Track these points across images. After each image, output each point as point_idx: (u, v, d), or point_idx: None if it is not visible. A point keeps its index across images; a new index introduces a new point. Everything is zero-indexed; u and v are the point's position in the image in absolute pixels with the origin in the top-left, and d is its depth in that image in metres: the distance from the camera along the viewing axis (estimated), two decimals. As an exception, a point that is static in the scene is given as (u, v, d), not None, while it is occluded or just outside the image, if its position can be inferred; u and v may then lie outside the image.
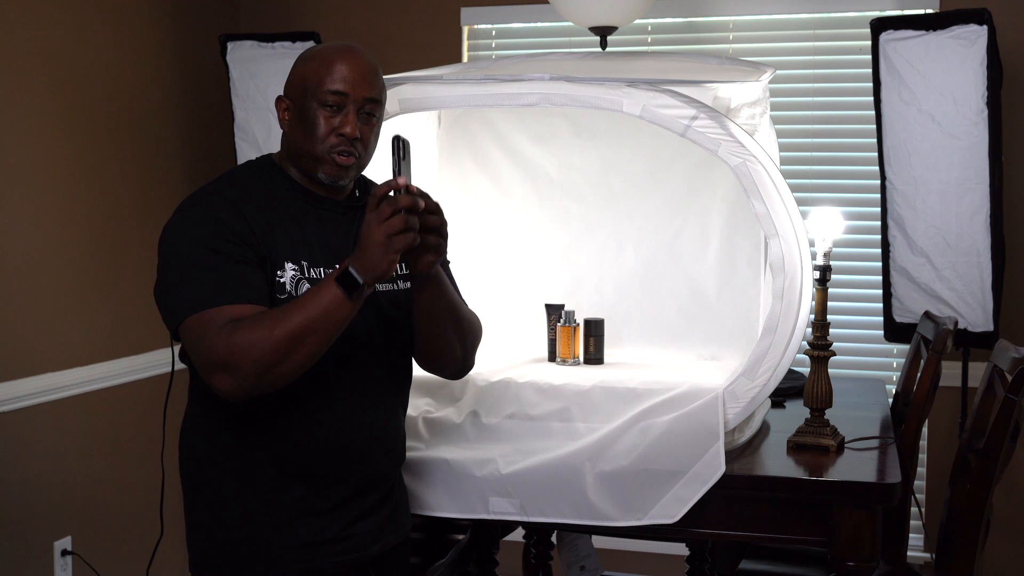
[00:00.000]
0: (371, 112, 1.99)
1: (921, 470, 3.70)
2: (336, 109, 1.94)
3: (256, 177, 2.00)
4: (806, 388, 2.33)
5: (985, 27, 3.21)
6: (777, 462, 2.27)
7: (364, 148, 1.99)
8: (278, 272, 1.91)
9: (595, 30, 3.54)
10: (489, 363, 2.51)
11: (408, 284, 2.07)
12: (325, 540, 1.96)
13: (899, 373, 3.24)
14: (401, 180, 1.80)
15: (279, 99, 2.02)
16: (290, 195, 1.98)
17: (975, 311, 3.31)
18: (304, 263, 1.93)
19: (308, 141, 1.95)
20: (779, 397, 2.73)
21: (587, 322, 2.63)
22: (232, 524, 1.96)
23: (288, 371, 1.80)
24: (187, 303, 1.84)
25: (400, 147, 1.88)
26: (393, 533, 2.08)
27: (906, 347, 3.53)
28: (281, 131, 2.03)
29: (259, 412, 1.92)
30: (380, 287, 2.03)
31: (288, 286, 1.91)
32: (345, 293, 1.78)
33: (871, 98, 3.43)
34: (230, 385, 1.79)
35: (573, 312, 2.64)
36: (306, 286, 1.92)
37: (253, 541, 1.95)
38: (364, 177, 2.12)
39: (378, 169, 2.19)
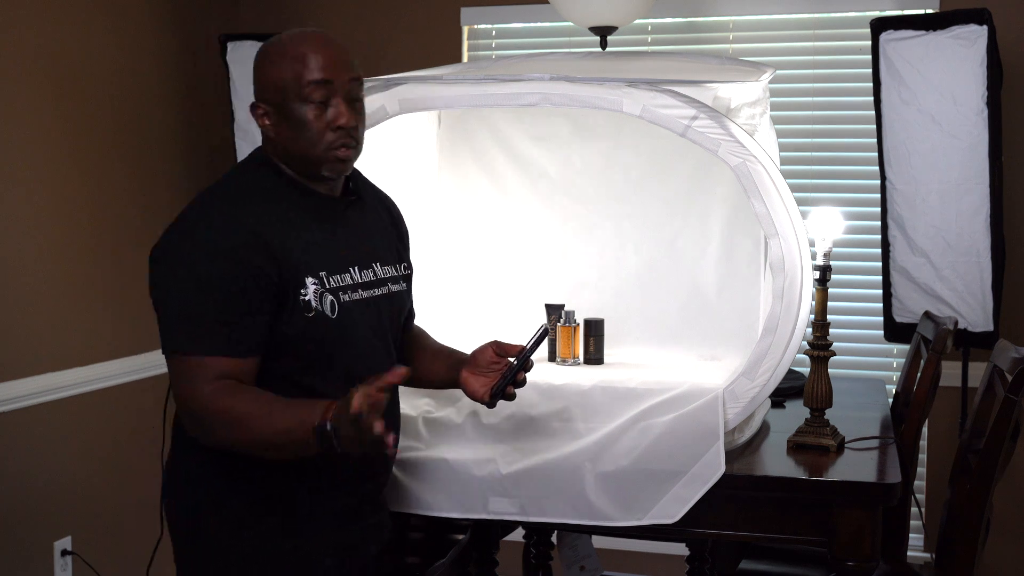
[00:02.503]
0: (356, 94, 1.94)
1: (921, 470, 3.70)
2: (323, 102, 1.89)
3: (262, 182, 1.93)
4: (806, 388, 2.33)
5: (985, 27, 3.21)
6: (777, 462, 2.27)
7: (358, 133, 1.95)
8: (301, 291, 1.87)
9: (595, 30, 3.54)
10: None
11: (402, 285, 2.11)
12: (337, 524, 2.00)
13: (899, 373, 3.24)
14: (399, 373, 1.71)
15: (253, 106, 1.93)
16: (295, 197, 1.94)
17: (975, 311, 3.31)
18: (323, 274, 1.91)
19: (303, 143, 1.90)
20: (779, 397, 2.73)
21: (587, 322, 2.63)
22: (264, 534, 1.94)
23: (245, 452, 1.83)
24: (186, 339, 1.80)
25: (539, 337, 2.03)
26: (381, 537, 2.11)
27: (906, 347, 3.53)
28: (266, 138, 1.96)
29: None
30: (377, 291, 2.02)
31: (313, 303, 1.88)
32: (318, 445, 1.70)
33: (871, 98, 3.43)
34: (197, 433, 1.83)
35: (573, 312, 2.64)
36: (329, 299, 1.90)
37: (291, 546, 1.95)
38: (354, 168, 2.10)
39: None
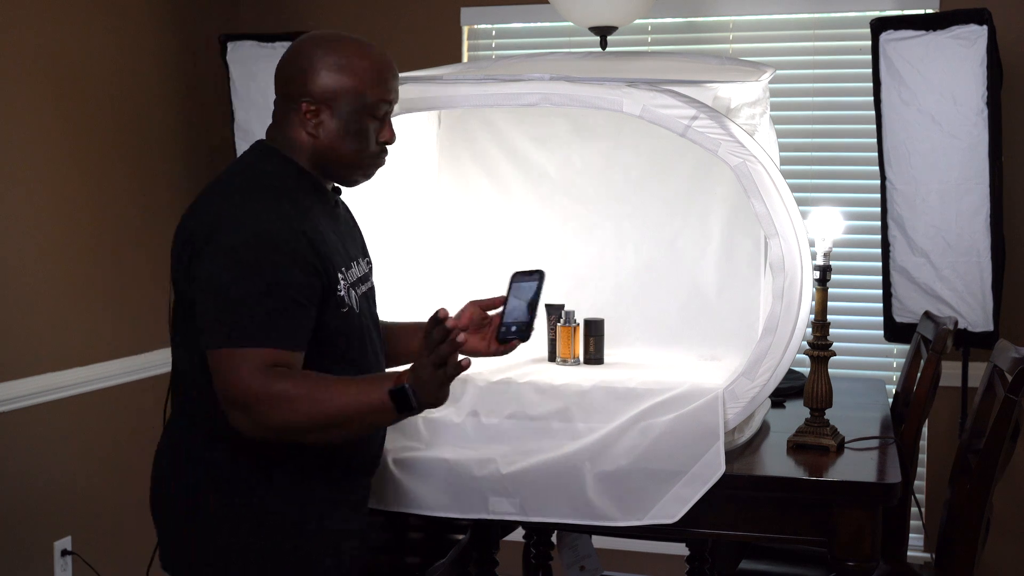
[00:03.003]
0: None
1: (921, 470, 3.70)
2: (382, 118, 1.96)
3: (287, 178, 1.93)
4: (806, 388, 2.33)
5: (985, 27, 3.21)
6: (777, 462, 2.27)
7: None
8: (338, 287, 1.89)
9: (595, 30, 3.54)
10: (489, 363, 2.51)
11: (372, 279, 2.13)
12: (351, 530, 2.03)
13: (899, 373, 3.24)
14: (441, 312, 1.77)
15: (302, 101, 1.92)
16: (314, 193, 1.97)
17: (975, 311, 3.31)
18: (343, 269, 1.94)
19: (352, 152, 1.95)
20: (779, 397, 2.73)
21: (587, 322, 2.63)
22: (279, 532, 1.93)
23: (309, 440, 1.83)
24: (241, 331, 1.78)
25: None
26: (368, 540, 2.13)
27: (906, 347, 3.53)
28: (302, 134, 1.94)
29: None
30: (367, 285, 2.06)
31: (346, 298, 1.91)
32: (395, 409, 1.78)
33: (871, 98, 3.43)
34: (245, 426, 1.79)
35: (573, 312, 2.64)
36: (353, 293, 1.93)
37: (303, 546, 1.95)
38: None
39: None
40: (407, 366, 1.83)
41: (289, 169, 1.94)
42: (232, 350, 1.78)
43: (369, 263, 2.14)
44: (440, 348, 1.74)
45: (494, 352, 2.16)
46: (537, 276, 2.12)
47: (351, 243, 2.06)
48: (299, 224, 1.85)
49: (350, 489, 2.02)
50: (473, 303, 2.20)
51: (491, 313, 2.20)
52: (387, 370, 1.99)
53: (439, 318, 1.74)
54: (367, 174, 2.01)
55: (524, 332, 2.10)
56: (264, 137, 2.01)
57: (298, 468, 1.92)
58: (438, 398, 1.79)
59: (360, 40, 1.98)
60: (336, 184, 2.06)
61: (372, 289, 2.11)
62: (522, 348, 2.77)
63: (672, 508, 2.14)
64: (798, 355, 2.28)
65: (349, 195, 2.21)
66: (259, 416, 1.77)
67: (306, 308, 1.83)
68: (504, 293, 2.13)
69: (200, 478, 1.91)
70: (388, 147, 2.01)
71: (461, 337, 1.74)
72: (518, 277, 2.15)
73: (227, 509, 1.91)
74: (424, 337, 1.77)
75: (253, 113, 3.81)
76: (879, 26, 3.35)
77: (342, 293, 1.90)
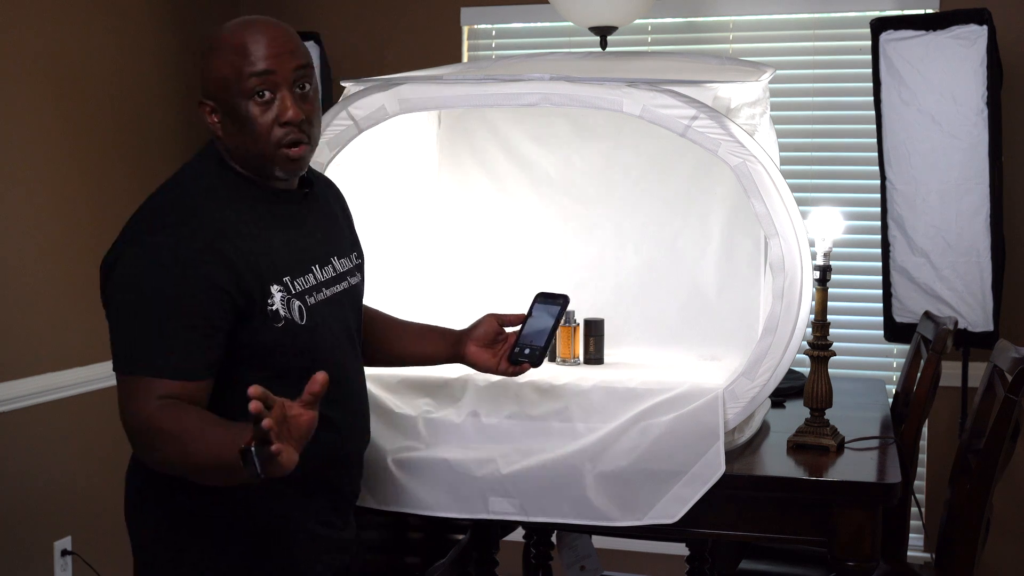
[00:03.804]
0: (305, 81, 1.79)
1: (921, 470, 3.70)
2: (267, 96, 1.75)
3: (218, 183, 1.82)
4: (806, 388, 2.33)
5: (985, 27, 3.21)
6: (777, 462, 2.27)
7: (311, 126, 1.81)
8: (268, 301, 1.77)
9: (595, 30, 3.54)
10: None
11: (357, 277, 2.04)
12: (331, 536, 1.98)
13: (899, 373, 3.24)
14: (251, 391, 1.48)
15: (200, 104, 1.81)
16: (253, 198, 1.83)
17: (975, 311, 3.31)
18: (287, 279, 1.82)
19: (250, 142, 1.78)
20: (779, 397, 2.73)
21: (587, 322, 2.63)
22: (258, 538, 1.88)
23: (193, 480, 1.68)
24: (133, 360, 1.70)
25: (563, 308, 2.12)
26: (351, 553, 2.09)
27: (906, 347, 3.53)
28: (215, 138, 1.84)
29: None
30: (339, 287, 1.95)
31: (282, 312, 1.78)
32: (243, 468, 1.51)
33: (871, 98, 3.43)
34: (138, 453, 1.78)
35: (573, 312, 2.64)
36: (296, 304, 1.81)
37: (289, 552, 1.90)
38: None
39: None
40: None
41: (222, 172, 1.83)
42: (126, 377, 1.70)
43: (359, 256, 2.05)
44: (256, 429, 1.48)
45: (503, 371, 2.15)
46: (561, 301, 2.12)
47: (319, 243, 1.93)
48: (213, 235, 1.72)
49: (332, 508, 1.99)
50: (492, 316, 2.17)
51: (508, 330, 2.17)
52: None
53: (255, 401, 1.45)
54: (284, 167, 1.80)
55: (536, 358, 2.10)
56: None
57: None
58: (272, 471, 1.49)
59: (240, 19, 1.82)
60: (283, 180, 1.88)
61: (348, 291, 1.99)
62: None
63: (672, 508, 2.14)
64: (798, 355, 2.28)
65: (348, 195, 2.21)
66: (138, 449, 1.72)
67: (209, 335, 1.70)
68: (525, 310, 2.13)
69: (171, 497, 1.87)
70: (296, 125, 1.78)
71: (266, 423, 1.44)
72: (542, 298, 2.16)
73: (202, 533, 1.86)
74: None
75: (253, 113, 3.81)
76: (879, 26, 3.35)
77: (275, 307, 1.77)
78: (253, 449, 1.48)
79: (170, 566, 1.90)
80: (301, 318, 1.82)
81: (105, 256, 1.80)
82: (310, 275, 1.87)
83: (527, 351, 2.10)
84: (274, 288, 1.79)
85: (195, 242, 1.72)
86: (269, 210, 1.85)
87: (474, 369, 2.21)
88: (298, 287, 1.84)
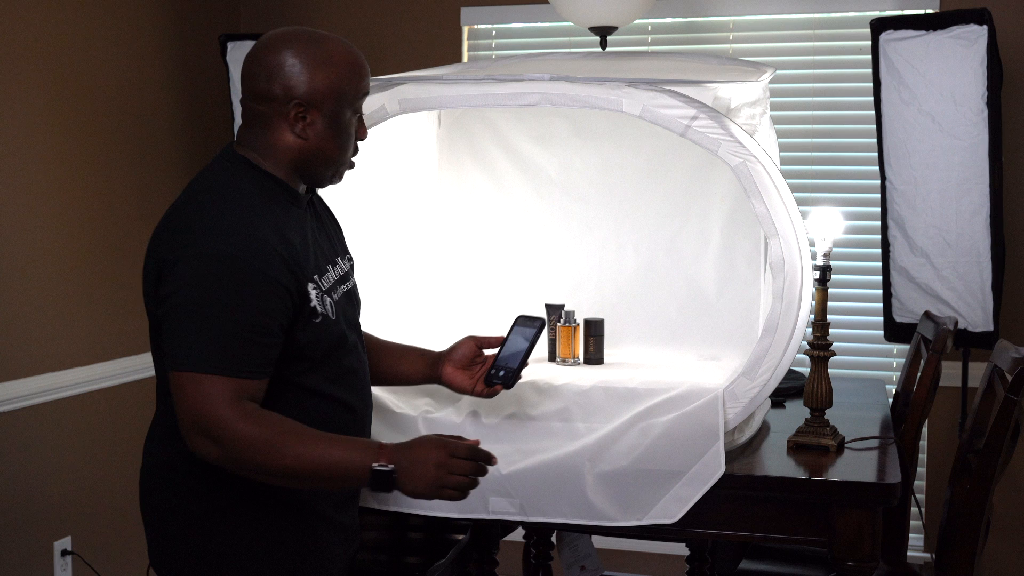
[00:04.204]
0: None
1: (921, 470, 3.70)
2: (360, 114, 1.93)
3: (257, 187, 1.86)
4: (806, 388, 2.33)
5: (985, 27, 3.21)
6: (777, 462, 2.27)
7: None
8: (309, 298, 1.84)
9: (595, 30, 3.54)
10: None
11: (354, 278, 2.09)
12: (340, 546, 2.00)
13: (899, 373, 3.24)
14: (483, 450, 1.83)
15: (294, 105, 1.85)
16: (284, 200, 1.89)
17: (975, 311, 3.31)
18: (315, 277, 1.89)
19: (336, 152, 1.90)
20: (779, 397, 2.73)
21: (587, 322, 2.63)
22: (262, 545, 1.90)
23: (271, 482, 1.77)
24: (206, 357, 1.72)
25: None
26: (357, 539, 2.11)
27: (906, 347, 3.53)
28: (289, 137, 1.87)
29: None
30: (346, 285, 2.02)
31: (319, 308, 1.86)
32: (371, 484, 1.74)
33: (871, 98, 3.43)
34: (210, 455, 1.74)
35: (573, 312, 2.64)
36: (328, 300, 1.89)
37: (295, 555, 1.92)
38: None
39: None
40: (397, 443, 1.79)
41: (262, 181, 1.87)
42: (198, 375, 1.72)
43: (350, 260, 2.09)
44: (467, 468, 1.77)
45: (477, 392, 2.17)
46: (537, 324, 2.15)
47: (326, 244, 2.00)
48: (272, 244, 1.79)
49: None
50: (471, 338, 2.21)
51: (487, 352, 2.21)
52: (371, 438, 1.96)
53: (479, 449, 1.80)
54: (341, 174, 1.97)
55: (509, 380, 2.13)
56: (236, 140, 1.94)
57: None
58: (421, 495, 1.76)
59: (331, 35, 1.93)
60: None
61: (354, 287, 2.07)
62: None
63: (672, 508, 2.14)
64: (798, 355, 2.28)
65: (349, 195, 2.21)
66: (229, 451, 1.72)
67: (275, 335, 1.78)
68: (523, 312, 2.17)
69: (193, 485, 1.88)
70: (360, 145, 1.98)
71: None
72: (520, 321, 2.19)
73: (220, 511, 1.88)
74: (448, 442, 1.78)
75: (253, 113, 3.81)
76: (879, 26, 3.35)
77: (314, 303, 1.85)
78: (393, 473, 1.72)
79: (193, 551, 1.90)
80: (332, 313, 1.91)
81: (158, 250, 1.82)
82: (329, 273, 1.95)
83: (501, 373, 2.13)
84: (310, 286, 1.86)
85: (259, 242, 1.78)
86: (293, 212, 1.91)
87: (450, 390, 2.23)
88: (325, 284, 1.91)
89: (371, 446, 1.77)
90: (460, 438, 1.83)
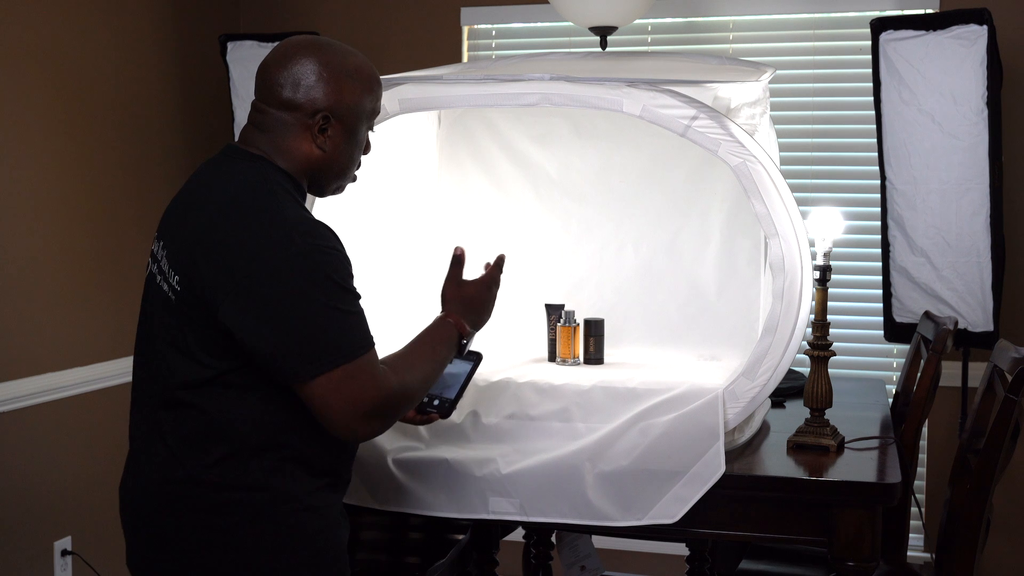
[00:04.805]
0: None
1: (921, 470, 3.70)
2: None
3: (293, 188, 1.88)
4: (806, 388, 2.33)
5: (985, 27, 3.21)
6: (777, 462, 2.27)
7: None
8: None
9: (595, 30, 3.54)
10: (489, 363, 2.51)
11: None
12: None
13: (899, 373, 3.24)
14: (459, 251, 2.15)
15: (324, 117, 1.86)
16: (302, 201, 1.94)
17: (975, 311, 3.31)
18: None
19: (348, 161, 1.94)
20: (779, 397, 2.73)
21: (587, 322, 2.63)
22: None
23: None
24: (361, 339, 1.78)
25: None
26: None
27: (906, 347, 3.53)
28: (308, 146, 1.88)
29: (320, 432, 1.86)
30: None
31: None
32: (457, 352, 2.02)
33: (871, 98, 3.43)
34: (374, 432, 1.82)
35: (573, 312, 2.64)
36: None
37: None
38: None
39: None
40: (449, 309, 2.05)
41: (289, 183, 1.88)
42: (351, 364, 1.75)
43: None
44: (496, 275, 2.11)
45: (409, 420, 2.13)
46: (475, 358, 2.15)
47: None
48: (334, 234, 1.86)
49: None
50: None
51: None
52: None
53: (458, 255, 2.11)
54: (344, 187, 2.01)
55: (445, 410, 2.11)
56: (241, 140, 1.92)
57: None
58: (487, 320, 2.10)
59: (353, 49, 1.95)
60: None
61: None
62: (522, 348, 2.79)
63: (672, 508, 2.14)
64: (798, 355, 2.28)
65: (349, 195, 2.20)
66: (393, 416, 1.83)
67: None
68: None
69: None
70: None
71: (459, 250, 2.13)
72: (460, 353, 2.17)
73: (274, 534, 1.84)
74: (456, 278, 2.09)
75: (253, 113, 3.81)
76: (879, 26, 3.35)
77: None
78: (468, 330, 2.05)
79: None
80: None
81: (216, 271, 1.76)
82: (449, 323, 2.08)
83: (436, 402, 2.11)
84: None
85: (332, 233, 1.83)
86: None
87: None
88: None
89: (445, 324, 2.01)
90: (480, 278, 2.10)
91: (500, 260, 2.16)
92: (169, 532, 1.86)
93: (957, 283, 3.32)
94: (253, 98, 1.92)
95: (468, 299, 2.07)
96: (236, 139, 4.07)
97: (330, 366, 1.74)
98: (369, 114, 1.94)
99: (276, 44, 1.96)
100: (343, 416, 1.76)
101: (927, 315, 2.96)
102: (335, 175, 1.95)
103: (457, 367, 2.13)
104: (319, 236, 1.78)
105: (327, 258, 1.77)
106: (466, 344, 2.04)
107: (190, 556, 1.84)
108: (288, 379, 1.76)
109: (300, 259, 1.74)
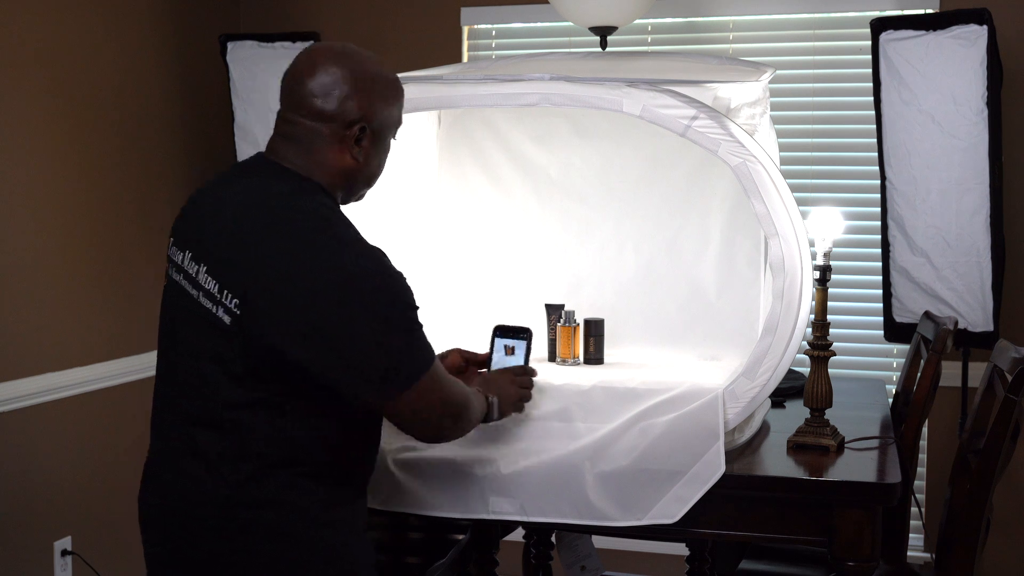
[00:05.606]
0: None
1: (921, 470, 3.70)
2: None
3: (334, 204, 1.90)
4: (806, 388, 2.33)
5: (985, 27, 3.21)
6: (777, 462, 2.27)
7: None
8: None
9: (595, 30, 3.54)
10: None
11: None
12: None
13: (899, 373, 3.24)
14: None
15: (361, 127, 1.86)
16: None
17: (975, 311, 3.31)
18: None
19: (376, 168, 1.96)
20: (779, 397, 2.73)
21: (587, 322, 2.63)
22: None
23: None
24: (430, 353, 1.85)
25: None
26: None
27: (906, 347, 3.53)
28: (344, 157, 1.87)
29: (361, 436, 1.94)
30: None
31: None
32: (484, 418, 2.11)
33: (871, 98, 3.43)
34: (454, 434, 1.98)
35: (573, 312, 2.64)
36: None
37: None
38: None
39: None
40: (478, 384, 2.13)
41: (328, 197, 1.89)
42: (428, 374, 1.84)
43: None
44: (527, 381, 2.21)
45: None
46: (525, 336, 2.20)
47: None
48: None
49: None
50: (458, 351, 2.27)
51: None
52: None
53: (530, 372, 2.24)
54: (364, 195, 2.02)
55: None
56: (269, 151, 1.91)
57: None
58: (512, 410, 2.19)
59: (372, 53, 1.94)
60: None
61: None
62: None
63: (672, 508, 2.14)
64: (798, 355, 2.28)
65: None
66: (473, 414, 1.99)
67: None
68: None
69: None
70: None
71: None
72: (500, 332, 2.23)
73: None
74: (506, 369, 2.21)
75: (253, 113, 3.81)
76: (879, 26, 3.35)
77: None
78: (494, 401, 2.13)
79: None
80: None
81: (281, 290, 1.75)
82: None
83: None
84: None
85: (383, 253, 1.84)
86: None
87: None
88: None
89: (477, 392, 2.08)
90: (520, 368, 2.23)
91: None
92: (202, 551, 1.85)
93: (957, 283, 3.32)
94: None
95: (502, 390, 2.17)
96: (236, 139, 4.09)
97: (413, 381, 1.82)
98: (397, 123, 1.96)
99: (299, 53, 1.92)
100: (432, 419, 1.89)
101: (927, 315, 2.96)
102: (364, 183, 1.96)
103: (503, 350, 2.26)
104: (375, 260, 1.79)
105: (392, 281, 1.80)
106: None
107: (217, 571, 1.85)
108: (375, 403, 1.84)
109: (371, 295, 1.76)
